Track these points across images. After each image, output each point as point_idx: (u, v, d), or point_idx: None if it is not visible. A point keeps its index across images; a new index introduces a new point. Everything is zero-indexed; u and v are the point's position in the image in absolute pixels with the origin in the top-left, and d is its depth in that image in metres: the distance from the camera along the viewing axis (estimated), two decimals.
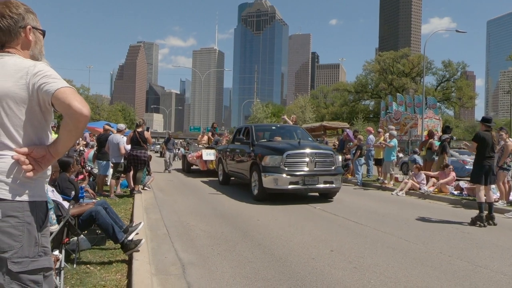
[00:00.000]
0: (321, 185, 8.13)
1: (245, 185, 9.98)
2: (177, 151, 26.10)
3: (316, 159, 8.15)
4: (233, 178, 11.22)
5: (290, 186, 7.91)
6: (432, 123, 30.13)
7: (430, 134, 11.65)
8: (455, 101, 56.69)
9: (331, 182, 8.25)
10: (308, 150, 8.19)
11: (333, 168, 8.36)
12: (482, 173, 6.49)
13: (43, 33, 1.79)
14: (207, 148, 14.60)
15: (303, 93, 72.68)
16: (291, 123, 13.95)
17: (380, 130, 17.48)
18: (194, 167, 15.79)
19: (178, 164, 21.75)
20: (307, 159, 8.08)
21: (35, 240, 1.56)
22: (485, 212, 6.39)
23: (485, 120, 6.81)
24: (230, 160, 10.63)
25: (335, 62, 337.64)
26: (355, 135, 14.01)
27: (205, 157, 13.70)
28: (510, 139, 8.64)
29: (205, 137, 17.49)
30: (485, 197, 6.50)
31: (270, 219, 6.37)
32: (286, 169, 7.92)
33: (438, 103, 42.12)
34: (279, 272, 3.74)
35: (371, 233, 5.53)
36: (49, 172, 1.71)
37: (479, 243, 5.05)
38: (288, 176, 7.88)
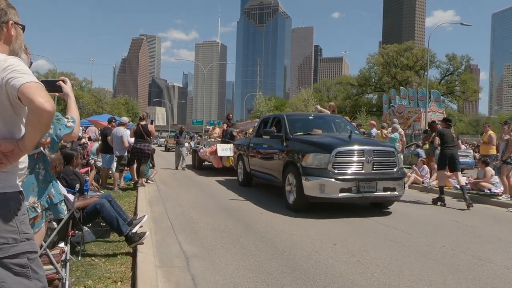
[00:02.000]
0: (380, 193, 6.24)
1: (271, 187, 8.65)
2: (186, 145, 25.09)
3: (374, 158, 6.29)
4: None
5: (340, 195, 6.03)
6: (436, 117, 29.99)
7: (432, 127, 11.58)
8: (458, 95, 56.36)
9: (393, 189, 6.35)
10: (364, 147, 6.35)
11: (395, 170, 6.51)
12: (446, 161, 7.90)
13: (23, 28, 1.83)
14: (222, 142, 12.67)
15: (306, 86, 72.34)
16: (328, 112, 10.96)
17: (384, 124, 17.43)
18: (206, 163, 13.92)
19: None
20: (363, 159, 6.21)
21: (13, 228, 1.62)
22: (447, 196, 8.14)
23: (446, 120, 8.57)
24: (254, 158, 8.81)
25: (338, 56, 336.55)
26: (358, 128, 13.96)
27: (220, 153, 11.77)
28: None
29: (217, 130, 16.03)
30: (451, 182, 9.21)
31: (273, 213, 6.39)
32: (336, 171, 6.09)
33: (441, 97, 41.92)
34: (282, 265, 3.76)
35: (374, 226, 5.54)
36: (21, 165, 1.76)
37: (482, 237, 5.05)
38: (339, 181, 6.02)
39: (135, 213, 5.80)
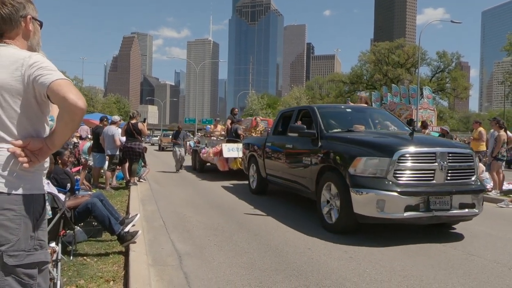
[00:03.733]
0: (456, 211, 4.58)
1: (291, 195, 7.45)
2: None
3: (449, 163, 4.62)
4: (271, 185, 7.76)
5: (406, 214, 4.37)
6: (427, 114, 30.26)
7: (424, 125, 11.70)
8: (449, 92, 56.88)
9: (472, 205, 4.71)
10: (436, 149, 4.70)
11: (473, 179, 4.86)
12: None
13: (41, 24, 1.77)
14: (228, 141, 10.83)
15: (299, 84, 72.64)
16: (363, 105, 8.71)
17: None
18: (208, 164, 12.29)
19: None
20: (434, 164, 4.54)
21: (32, 234, 1.55)
22: None
23: (408, 122, 8.64)
24: (272, 160, 7.19)
25: (330, 53, 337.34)
26: None
27: (226, 154, 10.10)
28: (503, 130, 8.70)
29: (219, 127, 14.36)
30: None
31: (267, 211, 6.40)
32: (399, 181, 4.45)
33: (433, 94, 42.26)
34: (275, 262, 3.77)
35: (365, 223, 5.56)
36: (46, 165, 1.70)
37: (472, 233, 5.11)
38: (404, 196, 4.36)
39: (127, 212, 5.78)
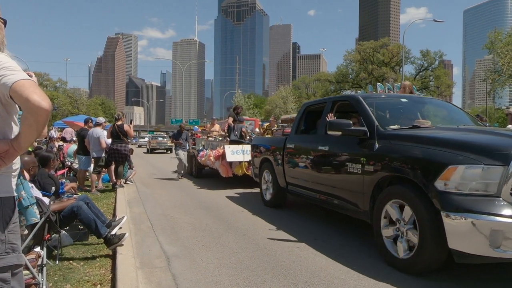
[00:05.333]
0: None
1: (315, 209, 6.10)
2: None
3: None
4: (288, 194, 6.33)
5: None
6: None
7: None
8: (433, 90, 57.75)
9: None
10: None
11: None
12: None
13: (5, 23, 1.72)
14: (231, 142, 9.45)
15: (285, 83, 72.78)
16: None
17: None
18: (207, 168, 10.84)
19: (165, 162, 21.30)
20: None
21: (3, 237, 1.52)
22: None
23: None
24: (298, 167, 5.64)
25: (316, 53, 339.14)
26: None
27: (230, 157, 8.71)
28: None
29: (216, 126, 12.77)
30: None
31: (255, 211, 6.41)
32: None
33: (417, 92, 42.81)
34: (263, 262, 3.78)
35: (353, 220, 5.61)
36: (15, 167, 1.65)
37: None
38: None
39: (114, 215, 5.72)
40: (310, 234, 4.82)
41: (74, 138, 13.74)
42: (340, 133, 4.41)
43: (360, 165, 4.11)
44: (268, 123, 11.13)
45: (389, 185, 3.78)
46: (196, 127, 20.91)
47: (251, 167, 7.97)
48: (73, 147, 10.51)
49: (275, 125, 10.62)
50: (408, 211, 3.42)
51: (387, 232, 3.68)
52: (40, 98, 1.42)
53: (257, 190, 8.05)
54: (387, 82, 49.88)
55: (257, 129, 10.81)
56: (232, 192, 8.42)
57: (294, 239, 4.60)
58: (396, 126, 4.34)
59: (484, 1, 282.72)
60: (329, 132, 4.54)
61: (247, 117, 15.93)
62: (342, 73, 61.78)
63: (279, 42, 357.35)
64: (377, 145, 3.98)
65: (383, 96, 5.81)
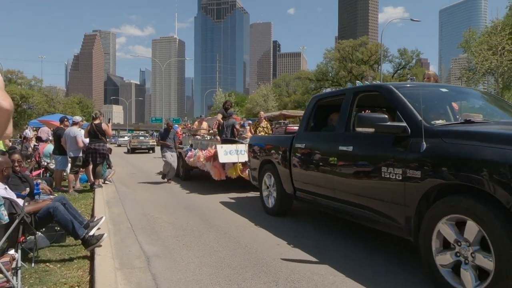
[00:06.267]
0: None
1: (329, 218, 5.27)
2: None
3: None
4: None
5: None
6: None
7: None
8: None
9: None
10: None
11: None
12: None
13: None
14: (224, 142, 8.67)
15: (266, 81, 72.96)
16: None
17: None
18: (196, 169, 9.85)
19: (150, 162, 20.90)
20: None
21: None
22: None
23: None
24: (310, 170, 4.80)
25: (296, 51, 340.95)
26: None
27: (223, 158, 7.87)
28: None
29: (204, 124, 12.06)
30: None
31: (236, 209, 6.41)
32: None
33: None
34: (244, 259, 3.79)
35: (333, 217, 5.68)
36: None
37: None
38: None
39: (92, 215, 5.62)
40: (290, 231, 4.85)
41: (50, 138, 13.41)
42: (372, 130, 3.63)
43: (400, 169, 3.28)
44: (256, 121, 10.61)
45: (439, 196, 3.02)
46: (176, 125, 20.64)
47: (248, 169, 7.21)
48: (49, 147, 10.26)
49: (264, 121, 10.13)
50: (472, 229, 2.67)
51: (444, 259, 2.85)
52: (1, 98, 1.40)
53: (253, 194, 7.70)
54: (366, 80, 50.60)
55: (249, 134, 9.88)
56: (227, 196, 7.64)
57: (274, 236, 4.63)
58: (442, 121, 3.55)
59: (459, 1, 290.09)
60: (358, 129, 3.87)
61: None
62: (322, 71, 62.32)
63: (260, 40, 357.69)
64: (424, 144, 3.11)
65: (418, 85, 4.67)
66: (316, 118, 5.34)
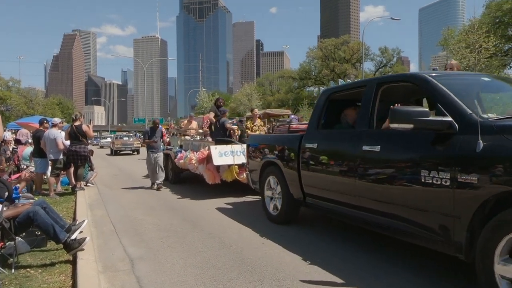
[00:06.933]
0: None
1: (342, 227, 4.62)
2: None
3: None
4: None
5: None
6: None
7: None
8: None
9: None
10: None
11: None
12: None
13: None
14: (217, 142, 7.93)
15: (249, 81, 73.04)
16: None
17: None
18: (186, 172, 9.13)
19: (131, 165, 20.64)
20: None
21: None
22: None
23: None
24: (324, 172, 4.27)
25: (279, 50, 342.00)
26: (301, 121, 14.33)
27: (217, 161, 7.26)
28: None
29: (194, 123, 11.30)
30: None
31: (219, 208, 6.39)
32: None
33: None
34: (230, 259, 3.79)
35: (317, 215, 5.73)
36: None
37: None
38: None
39: (74, 219, 5.53)
40: (276, 230, 4.87)
41: (30, 140, 13.11)
42: (411, 126, 2.99)
43: (448, 173, 2.75)
44: (250, 119, 9.77)
45: (498, 207, 2.51)
46: (160, 126, 20.41)
47: (245, 171, 6.68)
48: (29, 149, 10.02)
49: (258, 119, 9.55)
50: None
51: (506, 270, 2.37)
52: None
53: (250, 198, 7.17)
54: (349, 78, 51.13)
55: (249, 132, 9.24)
56: (222, 201, 7.03)
57: (259, 235, 4.64)
58: (492, 115, 3.01)
59: (438, 0, 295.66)
60: (393, 125, 3.14)
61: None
62: (305, 70, 62.70)
63: (243, 39, 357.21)
64: (481, 143, 2.56)
65: (457, 74, 4.17)
66: (327, 114, 4.75)
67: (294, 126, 6.18)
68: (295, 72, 65.25)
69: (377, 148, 3.45)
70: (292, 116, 16.34)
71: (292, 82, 63.81)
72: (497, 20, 30.53)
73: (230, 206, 6.59)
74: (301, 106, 51.02)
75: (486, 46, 25.07)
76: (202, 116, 14.60)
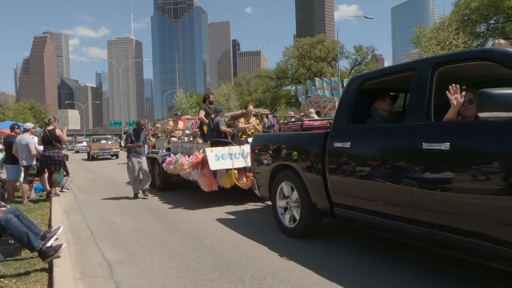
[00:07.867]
0: None
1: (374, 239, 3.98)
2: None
3: None
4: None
5: None
6: None
7: None
8: None
9: None
10: None
11: None
12: None
13: None
14: (212, 143, 6.94)
15: (226, 81, 72.82)
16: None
17: (302, 113, 18.17)
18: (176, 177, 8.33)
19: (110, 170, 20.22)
20: None
21: None
22: None
23: None
24: (367, 179, 3.36)
25: (256, 49, 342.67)
26: (277, 120, 14.38)
27: (214, 165, 6.39)
28: None
29: (180, 124, 10.49)
30: None
31: (201, 210, 6.36)
32: None
33: None
34: (210, 260, 3.78)
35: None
36: None
37: None
38: None
39: (49, 226, 5.40)
40: (255, 229, 4.89)
41: (1, 147, 12.67)
42: (508, 114, 2.36)
43: None
44: (244, 118, 8.73)
45: None
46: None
47: (245, 176, 6.25)
48: (1, 156, 9.71)
49: (252, 117, 8.64)
50: None
51: None
52: None
53: (250, 205, 6.50)
54: (325, 77, 51.71)
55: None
56: (222, 211, 6.34)
57: (239, 235, 4.64)
58: None
59: None
60: (482, 115, 2.61)
61: (190, 116, 15.49)
62: (281, 69, 63.03)
63: (219, 39, 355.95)
64: None
65: None
66: (358, 106, 3.85)
67: (307, 123, 5.50)
68: (272, 72, 65.50)
69: (446, 146, 2.67)
70: (270, 116, 16.37)
71: (270, 81, 64.03)
72: (466, 17, 31.52)
73: (232, 216, 5.72)
74: (279, 105, 51.29)
75: (456, 43, 25.82)
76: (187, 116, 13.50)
